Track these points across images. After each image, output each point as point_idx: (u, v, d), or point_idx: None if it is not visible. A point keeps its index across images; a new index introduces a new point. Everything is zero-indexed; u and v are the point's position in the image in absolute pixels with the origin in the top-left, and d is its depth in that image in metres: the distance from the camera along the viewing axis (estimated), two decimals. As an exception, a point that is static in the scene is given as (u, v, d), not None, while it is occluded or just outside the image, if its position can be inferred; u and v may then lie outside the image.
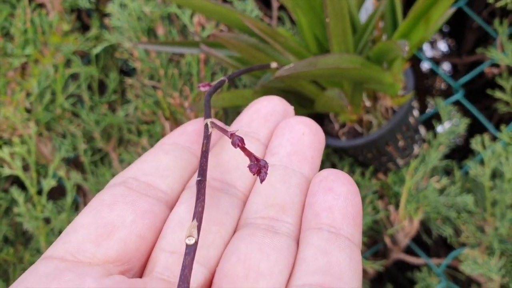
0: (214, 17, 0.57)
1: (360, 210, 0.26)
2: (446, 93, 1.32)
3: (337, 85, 0.57)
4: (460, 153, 1.03)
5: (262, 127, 0.30)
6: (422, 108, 1.22)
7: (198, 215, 0.22)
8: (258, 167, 0.23)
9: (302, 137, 0.29)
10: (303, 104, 0.62)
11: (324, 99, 0.53)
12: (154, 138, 0.71)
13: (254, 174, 0.23)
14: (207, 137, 0.25)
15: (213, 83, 0.31)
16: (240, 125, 0.30)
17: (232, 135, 0.23)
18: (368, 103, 0.64)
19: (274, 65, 0.43)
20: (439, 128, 0.77)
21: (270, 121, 0.31)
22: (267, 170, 0.23)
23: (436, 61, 1.04)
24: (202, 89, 0.31)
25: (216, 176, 0.28)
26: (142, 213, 0.25)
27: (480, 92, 1.16)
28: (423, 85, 1.14)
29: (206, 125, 0.25)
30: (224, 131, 0.24)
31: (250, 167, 0.23)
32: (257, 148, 0.29)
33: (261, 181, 0.24)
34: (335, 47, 0.50)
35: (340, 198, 0.25)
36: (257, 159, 0.23)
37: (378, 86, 0.57)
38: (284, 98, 0.63)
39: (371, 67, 0.53)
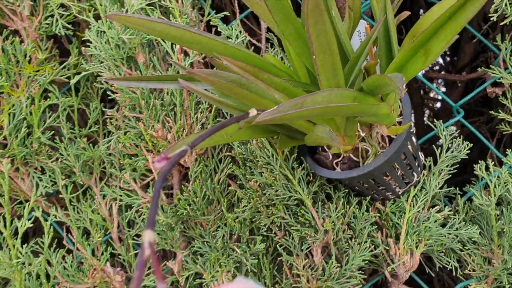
0: (195, 47, 0.52)
1: None
2: (443, 102, 1.26)
3: (329, 120, 0.51)
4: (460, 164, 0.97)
5: None
6: (418, 122, 1.16)
7: None
8: None
9: None
10: (293, 136, 0.56)
11: (314, 137, 0.48)
12: (138, 172, 0.66)
13: None
14: (140, 265, 0.19)
15: (172, 155, 0.25)
16: None
17: None
18: (362, 133, 0.58)
19: (253, 112, 0.37)
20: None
21: None
22: None
23: (433, 78, 0.98)
24: (157, 165, 0.25)
25: None
26: None
27: (480, 104, 1.10)
28: (420, 96, 1.07)
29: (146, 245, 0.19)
30: (159, 278, 0.18)
31: None
32: None
33: None
34: (324, 83, 0.44)
35: None
36: None
37: (373, 118, 0.52)
38: (273, 131, 0.57)
39: (364, 101, 0.48)
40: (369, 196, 0.66)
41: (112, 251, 0.67)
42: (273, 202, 0.61)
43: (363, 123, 0.59)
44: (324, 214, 0.63)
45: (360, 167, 0.59)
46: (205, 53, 0.52)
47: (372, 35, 0.46)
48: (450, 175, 0.67)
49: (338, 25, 0.49)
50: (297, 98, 0.40)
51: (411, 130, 0.62)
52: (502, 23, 0.58)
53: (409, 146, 0.62)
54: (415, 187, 0.67)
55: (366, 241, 0.63)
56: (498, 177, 0.64)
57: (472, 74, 0.78)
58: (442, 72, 1.05)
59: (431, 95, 1.21)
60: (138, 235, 0.67)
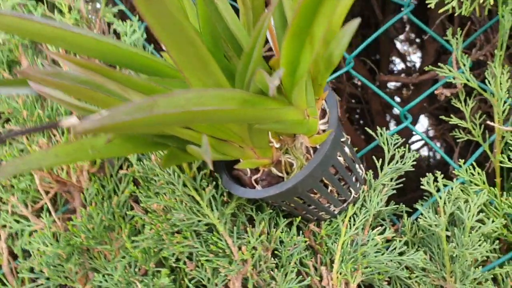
0: (59, 44, 0.41)
1: None
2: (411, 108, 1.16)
3: (223, 128, 0.41)
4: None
5: None
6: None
7: None
8: None
9: None
10: (186, 149, 0.46)
11: (190, 150, 0.37)
12: (30, 194, 0.55)
13: None
14: None
15: None
16: None
17: None
18: (277, 144, 0.48)
19: (70, 121, 0.27)
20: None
21: None
22: None
23: (384, 81, 0.88)
24: None
25: None
26: None
27: (446, 109, 1.00)
28: (380, 103, 0.97)
29: None
30: None
31: None
32: None
33: None
34: (193, 82, 0.34)
35: None
36: None
37: (279, 126, 0.42)
38: (161, 144, 0.47)
39: (260, 104, 0.38)
40: (299, 217, 0.56)
41: (2, 287, 0.57)
42: (179, 229, 0.51)
43: (282, 133, 0.49)
44: (244, 240, 0.52)
45: (279, 184, 0.49)
46: (73, 51, 0.42)
47: (263, 23, 0.36)
48: (395, 191, 0.57)
49: (224, 12, 0.39)
50: (145, 99, 0.30)
51: (343, 139, 0.52)
52: (441, 11, 0.48)
53: (340, 158, 0.52)
54: (354, 204, 0.57)
55: (292, 271, 0.52)
56: (448, 192, 0.54)
57: (424, 75, 0.68)
58: (403, 75, 0.95)
59: (398, 100, 1.10)
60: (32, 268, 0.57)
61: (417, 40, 1.41)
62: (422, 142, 1.47)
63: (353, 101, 1.31)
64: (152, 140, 0.43)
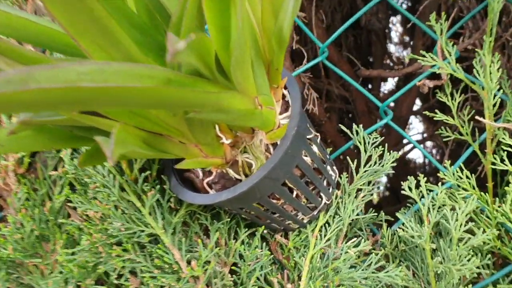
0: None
1: None
2: (398, 108, 1.07)
3: (148, 118, 0.33)
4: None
5: None
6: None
7: None
8: None
9: None
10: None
11: (98, 141, 0.30)
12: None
13: None
14: None
15: None
16: None
17: None
18: (227, 140, 0.40)
19: None
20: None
21: None
22: None
23: (365, 76, 0.81)
24: None
25: None
26: None
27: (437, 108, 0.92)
28: (365, 103, 0.89)
29: None
30: None
31: None
32: None
33: None
34: (94, 54, 0.26)
35: None
36: None
37: (224, 116, 0.34)
38: (83, 138, 0.39)
39: (188, 86, 0.30)
40: (263, 227, 0.48)
41: None
42: (118, 240, 0.43)
43: (234, 126, 0.41)
44: (196, 253, 0.44)
45: (233, 187, 0.41)
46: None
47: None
48: (373, 196, 0.49)
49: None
50: (18, 70, 0.22)
51: (310, 136, 0.44)
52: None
53: (307, 158, 0.44)
54: (326, 212, 0.49)
55: (252, 290, 0.44)
56: (433, 198, 0.46)
57: (408, 68, 0.61)
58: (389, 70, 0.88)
59: (392, 104, 1.03)
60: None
61: (411, 42, 1.34)
62: (419, 146, 1.39)
63: (347, 104, 1.24)
64: (69, 133, 0.35)
